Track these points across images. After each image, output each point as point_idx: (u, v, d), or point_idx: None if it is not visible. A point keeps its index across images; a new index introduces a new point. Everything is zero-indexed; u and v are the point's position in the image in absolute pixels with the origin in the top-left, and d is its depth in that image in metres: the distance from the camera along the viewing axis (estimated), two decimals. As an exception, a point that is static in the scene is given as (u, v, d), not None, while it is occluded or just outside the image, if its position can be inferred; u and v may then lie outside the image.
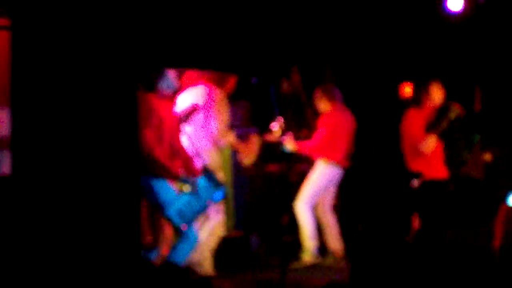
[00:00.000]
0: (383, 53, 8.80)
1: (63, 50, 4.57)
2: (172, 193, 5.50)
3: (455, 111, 6.32)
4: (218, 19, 6.82)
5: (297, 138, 7.30)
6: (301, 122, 8.04)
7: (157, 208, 5.57)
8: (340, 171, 7.34)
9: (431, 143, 6.28)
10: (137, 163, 4.78)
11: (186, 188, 5.47)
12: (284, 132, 6.78)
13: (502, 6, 7.64)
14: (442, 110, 6.32)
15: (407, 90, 8.62)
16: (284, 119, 6.91)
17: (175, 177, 5.49)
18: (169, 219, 5.52)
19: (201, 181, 5.57)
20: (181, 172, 5.51)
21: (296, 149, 7.17)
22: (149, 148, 5.45)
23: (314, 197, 7.26)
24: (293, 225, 7.36)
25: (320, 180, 7.28)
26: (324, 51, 8.62)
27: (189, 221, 5.52)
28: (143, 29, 5.01)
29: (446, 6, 7.17)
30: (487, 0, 7.19)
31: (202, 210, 5.65)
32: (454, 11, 7.23)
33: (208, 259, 6.23)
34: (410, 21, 8.16)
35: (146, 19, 5.14)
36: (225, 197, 6.13)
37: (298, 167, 7.81)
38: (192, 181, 5.49)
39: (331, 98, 7.31)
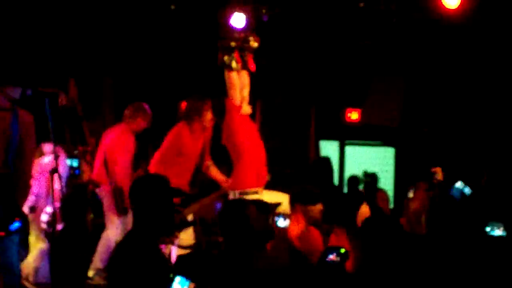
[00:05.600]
0: (164, 71, 8.66)
1: None
2: None
3: None
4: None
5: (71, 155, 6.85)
6: (79, 136, 7.76)
7: None
8: None
9: None
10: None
11: None
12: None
13: (287, 23, 7.73)
14: None
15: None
16: (64, 133, 6.47)
17: None
18: None
19: None
20: None
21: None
22: None
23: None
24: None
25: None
26: (102, 64, 8.33)
27: None
28: None
29: (230, 23, 7.10)
30: (271, 17, 7.17)
31: None
32: (237, 28, 7.17)
33: None
34: (193, 39, 8.07)
35: None
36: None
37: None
38: None
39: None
